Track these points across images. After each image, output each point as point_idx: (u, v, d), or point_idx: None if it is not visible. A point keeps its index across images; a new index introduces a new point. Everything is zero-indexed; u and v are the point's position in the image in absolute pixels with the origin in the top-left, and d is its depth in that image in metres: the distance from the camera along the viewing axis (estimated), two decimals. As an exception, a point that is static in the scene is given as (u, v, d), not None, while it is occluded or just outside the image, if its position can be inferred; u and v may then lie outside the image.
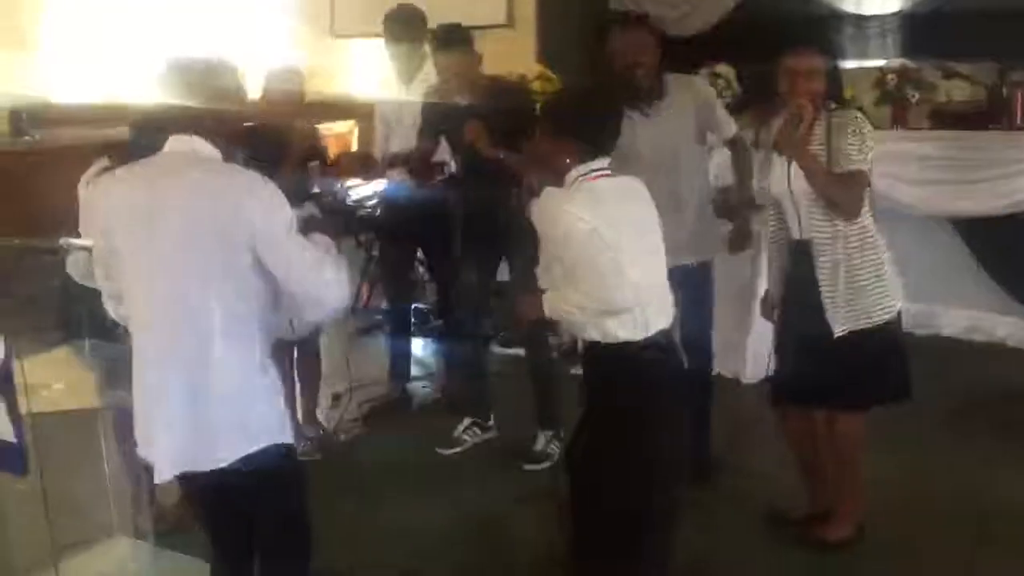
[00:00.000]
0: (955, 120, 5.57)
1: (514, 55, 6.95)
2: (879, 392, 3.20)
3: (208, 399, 2.22)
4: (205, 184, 2.20)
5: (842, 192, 2.99)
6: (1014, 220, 5.07)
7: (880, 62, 6.14)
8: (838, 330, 3.08)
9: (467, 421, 4.21)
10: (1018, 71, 5.82)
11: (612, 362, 2.41)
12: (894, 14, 7.02)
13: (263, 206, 2.19)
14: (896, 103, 5.62)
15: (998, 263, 5.31)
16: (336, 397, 4.52)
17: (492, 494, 3.81)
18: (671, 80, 3.55)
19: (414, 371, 5.05)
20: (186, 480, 2.36)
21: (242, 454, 2.26)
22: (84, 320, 3.19)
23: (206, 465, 2.26)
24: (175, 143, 2.24)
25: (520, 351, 4.34)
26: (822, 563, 3.23)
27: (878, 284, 3.11)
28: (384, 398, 4.71)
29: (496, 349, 5.03)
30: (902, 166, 5.33)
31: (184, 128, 2.22)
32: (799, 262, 3.15)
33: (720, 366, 4.82)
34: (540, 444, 4.06)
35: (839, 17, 7.15)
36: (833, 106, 3.08)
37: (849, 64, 7.01)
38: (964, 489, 3.71)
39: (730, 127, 3.69)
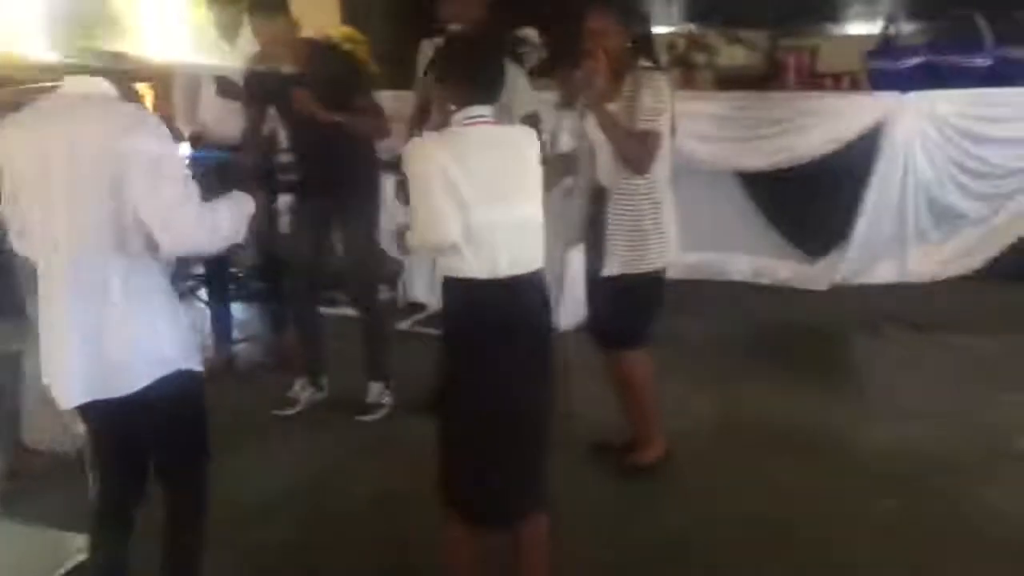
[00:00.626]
0: (737, 83, 6.05)
1: (317, 16, 6.91)
2: (644, 333, 3.52)
3: (113, 329, 2.28)
4: (91, 124, 2.24)
5: (632, 148, 3.21)
6: (790, 174, 5.57)
7: (671, 28, 6.55)
8: (614, 271, 3.32)
9: (300, 381, 4.28)
10: (788, 38, 6.39)
11: (455, 296, 2.54)
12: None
13: (138, 139, 2.22)
14: (685, 66, 6.04)
15: (777, 213, 5.83)
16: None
17: (328, 447, 3.90)
18: None
19: (236, 335, 5.02)
20: (91, 411, 2.40)
21: (150, 380, 2.33)
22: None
23: (115, 392, 2.32)
24: (69, 84, 2.29)
25: (347, 311, 4.44)
26: (639, 486, 3.53)
27: (658, 236, 3.34)
28: (210, 362, 4.65)
29: (325, 309, 5.08)
30: (692, 125, 5.75)
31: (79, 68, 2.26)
32: (596, 209, 3.39)
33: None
34: (372, 395, 4.20)
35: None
36: (646, 65, 3.29)
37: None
38: (757, 411, 4.14)
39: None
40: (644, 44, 3.31)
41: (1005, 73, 5.44)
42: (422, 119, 3.99)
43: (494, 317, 2.49)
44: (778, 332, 5.23)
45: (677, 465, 3.63)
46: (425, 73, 4.07)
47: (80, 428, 3.76)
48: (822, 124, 5.59)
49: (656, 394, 3.61)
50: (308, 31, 5.85)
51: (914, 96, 5.43)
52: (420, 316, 5.30)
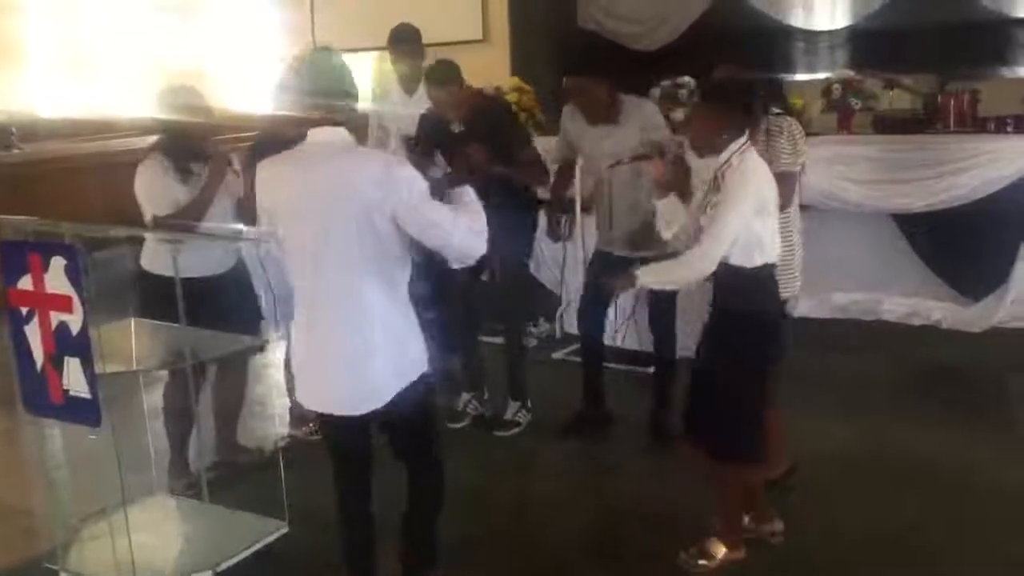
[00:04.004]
0: (895, 125, 6.12)
1: (489, 68, 7.45)
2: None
3: (374, 347, 2.64)
4: (352, 166, 2.61)
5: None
6: (947, 215, 5.62)
7: (828, 74, 6.69)
8: None
9: (466, 396, 4.68)
10: (952, 82, 6.41)
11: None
12: (841, 29, 7.66)
13: (398, 176, 2.57)
14: (841, 110, 6.16)
15: (933, 254, 5.85)
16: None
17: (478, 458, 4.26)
18: (626, 103, 4.13)
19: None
20: (333, 419, 2.77)
21: (401, 388, 2.68)
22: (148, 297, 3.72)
23: (375, 405, 2.68)
24: (317, 134, 2.65)
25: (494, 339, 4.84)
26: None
27: (787, 267, 3.53)
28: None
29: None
30: (848, 167, 5.89)
31: (324, 121, 2.64)
32: None
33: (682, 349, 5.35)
34: (510, 413, 4.57)
35: (791, 32, 7.75)
36: (776, 111, 3.56)
37: (800, 76, 7.67)
38: (898, 445, 4.22)
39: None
40: (775, 91, 3.56)
41: None
42: (564, 171, 4.43)
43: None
44: (928, 372, 5.27)
45: (815, 489, 3.79)
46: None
47: (282, 431, 4.36)
48: (981, 166, 5.61)
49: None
50: (478, 81, 6.42)
51: (1077, 138, 5.37)
52: (574, 347, 5.61)
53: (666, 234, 3.35)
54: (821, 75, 7.08)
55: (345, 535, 2.96)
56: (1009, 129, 5.87)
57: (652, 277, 3.27)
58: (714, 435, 3.20)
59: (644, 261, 3.98)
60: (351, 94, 2.71)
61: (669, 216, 3.28)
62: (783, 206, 3.47)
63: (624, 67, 4.35)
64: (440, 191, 2.75)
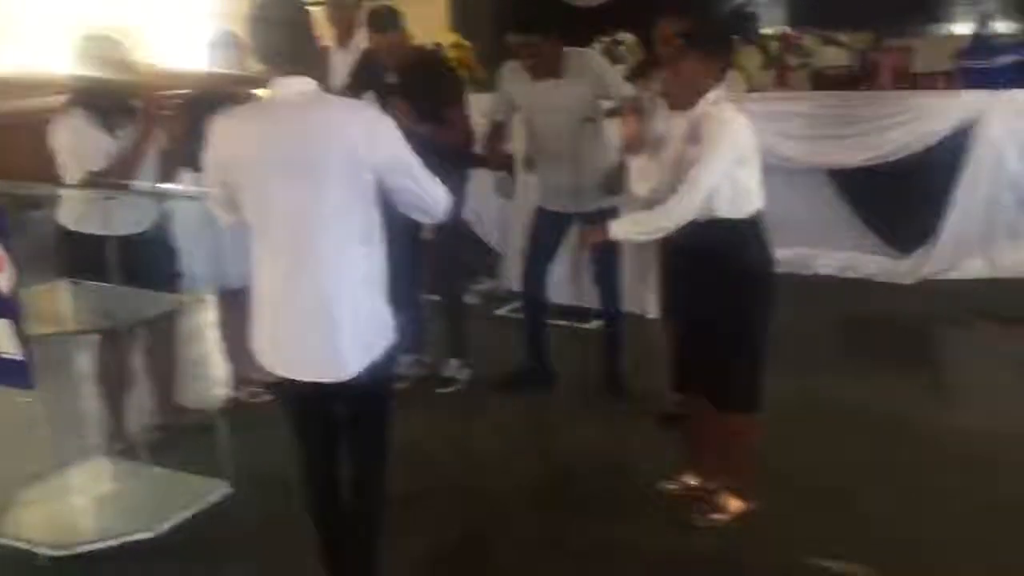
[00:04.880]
0: (831, 82, 6.22)
1: (427, 23, 7.34)
2: None
3: (357, 309, 2.48)
4: (334, 115, 2.45)
5: None
6: (879, 170, 5.73)
7: (766, 31, 6.75)
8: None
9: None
10: (887, 39, 6.50)
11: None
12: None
13: (389, 130, 2.46)
14: (778, 67, 6.22)
15: (866, 209, 5.98)
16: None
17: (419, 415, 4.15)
18: (570, 56, 4.09)
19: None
20: (295, 385, 2.56)
21: (373, 358, 2.52)
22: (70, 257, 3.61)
23: (344, 375, 2.48)
24: (287, 84, 2.43)
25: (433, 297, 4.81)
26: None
27: None
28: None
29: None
30: (785, 123, 5.96)
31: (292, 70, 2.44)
32: None
33: (630, 304, 5.39)
34: (450, 371, 4.60)
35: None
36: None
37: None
38: (835, 395, 4.30)
39: (621, 90, 4.11)
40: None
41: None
42: (499, 130, 4.39)
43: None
44: (861, 323, 5.39)
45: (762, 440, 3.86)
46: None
47: (224, 392, 4.31)
48: (913, 122, 5.74)
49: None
50: (417, 36, 6.32)
51: (1006, 94, 5.51)
52: (516, 304, 5.63)
53: (640, 191, 3.27)
54: (773, 31, 7.11)
55: (312, 499, 2.80)
56: (940, 85, 6.00)
57: (627, 228, 3.20)
58: (725, 388, 3.18)
59: (587, 216, 4.02)
60: (314, 44, 2.59)
61: (642, 172, 3.23)
62: None
63: (566, 21, 4.27)
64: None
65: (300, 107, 2.44)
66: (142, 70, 3.88)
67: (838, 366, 4.66)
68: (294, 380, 2.55)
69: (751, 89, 6.16)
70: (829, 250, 6.08)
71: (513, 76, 4.25)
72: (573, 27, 4.36)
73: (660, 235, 3.17)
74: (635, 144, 3.26)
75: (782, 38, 6.33)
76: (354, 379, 2.51)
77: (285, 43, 2.44)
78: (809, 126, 5.94)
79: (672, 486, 3.47)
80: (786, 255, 6.03)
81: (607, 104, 4.17)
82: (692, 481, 3.45)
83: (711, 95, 2.99)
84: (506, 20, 4.41)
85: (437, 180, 2.57)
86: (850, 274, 6.01)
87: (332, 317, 2.45)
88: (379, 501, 2.78)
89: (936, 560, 3.01)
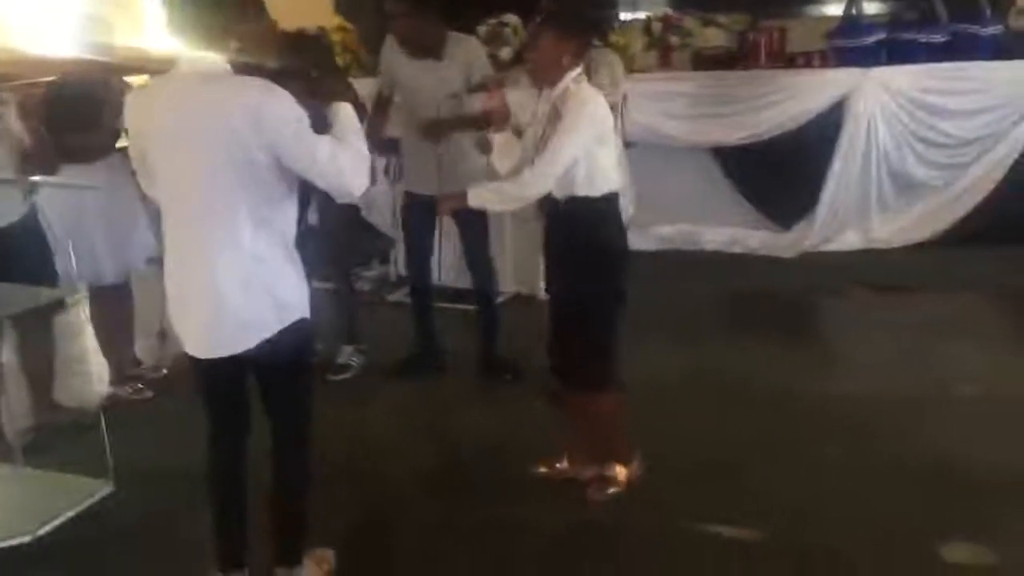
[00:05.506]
0: (711, 62, 6.34)
1: (312, 6, 7.23)
2: None
3: (248, 282, 2.47)
4: (227, 93, 2.43)
5: None
6: (759, 147, 5.90)
7: (648, 13, 6.84)
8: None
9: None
10: (764, 20, 6.66)
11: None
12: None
13: (275, 111, 2.41)
14: (661, 48, 6.33)
15: (748, 185, 6.15)
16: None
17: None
18: (451, 39, 4.09)
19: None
20: (209, 361, 2.57)
21: (280, 328, 2.52)
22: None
23: (247, 345, 2.51)
24: (188, 60, 2.46)
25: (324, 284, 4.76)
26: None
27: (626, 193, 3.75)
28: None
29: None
30: (668, 103, 6.08)
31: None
32: None
33: (519, 285, 5.44)
34: (343, 357, 4.57)
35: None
36: (597, 44, 3.60)
37: (623, 14, 7.76)
38: (720, 366, 4.42)
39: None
40: (599, 25, 3.62)
41: (960, 48, 5.74)
42: (384, 106, 4.36)
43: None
44: (747, 297, 5.55)
45: (642, 413, 3.92)
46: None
47: (103, 389, 4.16)
48: (789, 100, 5.92)
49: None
50: (301, 22, 6.20)
51: (875, 71, 5.73)
52: (407, 288, 5.60)
53: (503, 167, 3.32)
54: (643, 14, 7.21)
55: (214, 490, 2.77)
56: (816, 64, 6.19)
57: (484, 196, 3.20)
58: (582, 367, 3.23)
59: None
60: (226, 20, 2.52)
61: (505, 149, 3.28)
62: None
63: (450, 3, 4.25)
64: (318, 120, 2.58)
65: (197, 84, 2.46)
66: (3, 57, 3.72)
67: (723, 338, 4.79)
68: (195, 358, 2.60)
69: (635, 70, 6.24)
70: (714, 226, 6.24)
71: (392, 50, 4.22)
72: (455, 8, 4.34)
73: (515, 206, 3.25)
74: (497, 119, 3.27)
75: (664, 19, 6.42)
76: (254, 353, 2.53)
77: (196, 20, 2.45)
78: (691, 105, 6.07)
79: (543, 469, 3.49)
80: (673, 231, 6.25)
81: (474, 79, 4.16)
82: (563, 464, 3.48)
83: (571, 74, 3.03)
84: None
85: (350, 159, 2.53)
86: (735, 249, 6.17)
87: (219, 293, 2.47)
88: (297, 472, 2.76)
89: (819, 525, 3.10)
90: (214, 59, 2.47)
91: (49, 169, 3.69)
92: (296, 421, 2.75)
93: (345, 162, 2.51)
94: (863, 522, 3.11)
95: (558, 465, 3.47)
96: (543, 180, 3.03)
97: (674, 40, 6.33)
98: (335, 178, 2.51)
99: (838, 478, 3.40)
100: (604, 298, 3.16)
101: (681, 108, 6.07)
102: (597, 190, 3.07)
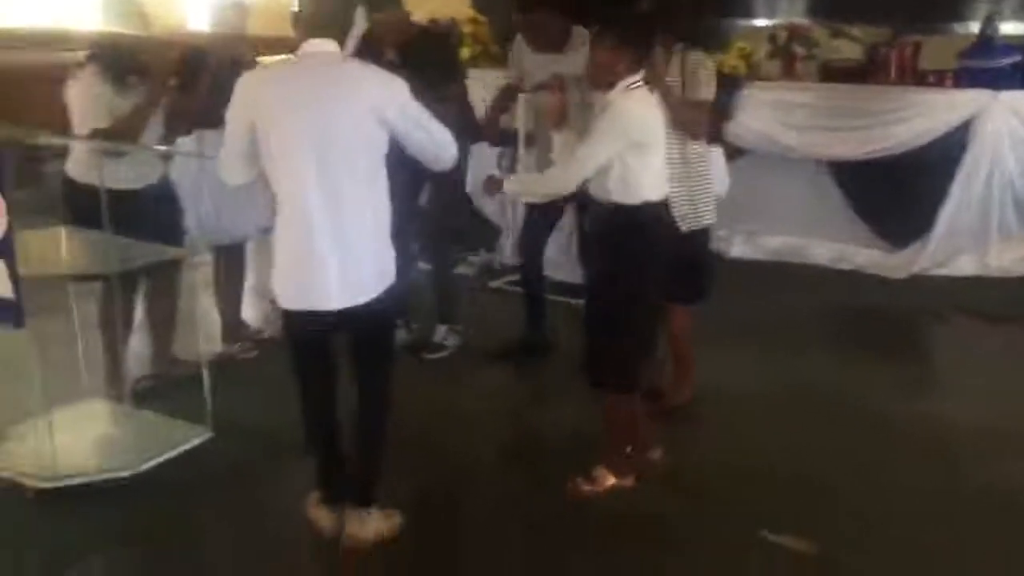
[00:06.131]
0: (839, 74, 6.25)
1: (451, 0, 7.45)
2: (699, 289, 3.85)
3: (357, 248, 2.81)
4: (353, 72, 2.85)
5: (688, 115, 3.60)
6: (877, 163, 5.79)
7: (775, 21, 6.79)
8: (684, 228, 3.65)
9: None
10: (902, 35, 6.51)
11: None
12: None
13: (393, 89, 2.82)
14: (785, 57, 6.27)
15: (862, 201, 6.02)
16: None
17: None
18: (577, 33, 4.23)
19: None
20: (313, 316, 2.87)
21: (380, 290, 2.87)
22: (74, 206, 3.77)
23: (358, 300, 2.83)
24: (313, 45, 2.81)
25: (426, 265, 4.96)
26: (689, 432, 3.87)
27: (706, 195, 3.73)
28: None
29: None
30: (788, 113, 6.03)
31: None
32: None
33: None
34: (438, 336, 4.72)
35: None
36: (683, 46, 3.65)
37: (759, 21, 7.70)
38: (814, 381, 4.39)
39: None
40: (698, 32, 3.69)
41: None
42: (509, 96, 4.51)
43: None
44: (851, 315, 5.48)
45: (733, 421, 3.97)
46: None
47: (214, 347, 4.46)
48: (916, 118, 5.78)
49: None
50: (438, 11, 6.45)
51: (1006, 95, 5.55)
52: (511, 277, 5.75)
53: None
54: (769, 21, 7.16)
55: (313, 431, 3.11)
56: (948, 84, 6.03)
57: (516, 186, 3.45)
58: (595, 365, 3.34)
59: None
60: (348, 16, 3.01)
61: (565, 147, 3.37)
62: (699, 135, 3.64)
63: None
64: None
65: (322, 65, 2.82)
66: (157, 30, 4.03)
67: (823, 354, 4.74)
68: (309, 311, 2.86)
69: (759, 78, 6.22)
70: (823, 240, 6.14)
71: (519, 47, 4.40)
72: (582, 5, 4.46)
73: (541, 200, 3.58)
74: (558, 119, 3.44)
75: (790, 28, 6.37)
76: (365, 306, 2.85)
77: (326, 15, 2.86)
78: (812, 117, 5.99)
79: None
80: (780, 243, 6.20)
81: (535, 80, 4.28)
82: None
83: (625, 82, 3.11)
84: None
85: (444, 129, 2.92)
86: (843, 265, 6.06)
87: (351, 250, 2.80)
88: (378, 422, 3.08)
89: (898, 546, 3.08)
90: (334, 48, 2.83)
91: (184, 133, 4.00)
92: (382, 373, 3.07)
93: (447, 136, 2.91)
94: (946, 547, 3.08)
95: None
96: (565, 179, 3.22)
97: (799, 50, 6.26)
98: (439, 146, 2.92)
99: (925, 501, 3.37)
100: (631, 304, 3.22)
101: (802, 119, 6.00)
102: (633, 198, 3.15)
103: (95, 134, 3.70)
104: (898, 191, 5.77)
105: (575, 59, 4.15)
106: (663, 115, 3.30)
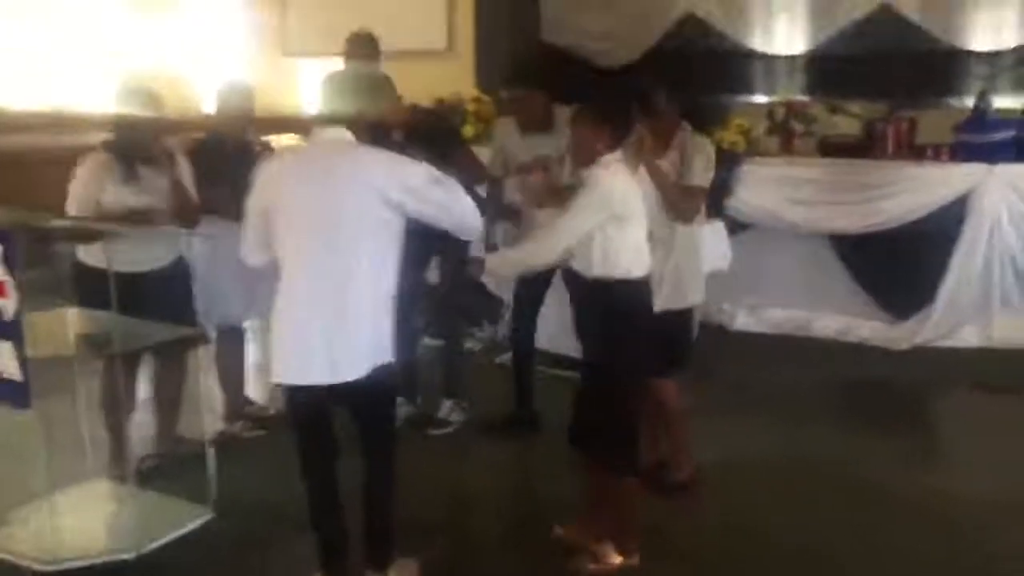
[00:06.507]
0: (837, 149, 6.33)
1: (453, 78, 7.63)
2: (677, 361, 3.84)
3: (352, 325, 2.89)
4: (363, 159, 2.94)
5: (681, 200, 3.67)
6: (878, 236, 5.85)
7: (772, 98, 6.91)
8: (656, 307, 3.61)
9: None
10: (899, 110, 6.61)
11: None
12: (799, 55, 7.79)
13: (405, 170, 2.92)
14: (783, 133, 6.37)
15: (864, 274, 6.07)
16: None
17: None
18: (558, 113, 4.31)
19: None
20: (308, 391, 2.96)
21: (376, 365, 2.93)
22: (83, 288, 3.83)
23: (351, 375, 2.89)
24: (327, 133, 2.98)
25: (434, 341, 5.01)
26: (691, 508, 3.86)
27: (694, 276, 3.80)
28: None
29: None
30: (788, 188, 6.11)
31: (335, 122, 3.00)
32: None
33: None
34: (443, 412, 4.74)
35: (751, 55, 7.89)
36: (688, 129, 3.74)
37: (759, 98, 7.81)
38: (817, 452, 4.38)
39: None
40: (694, 112, 3.78)
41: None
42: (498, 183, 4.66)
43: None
44: (853, 386, 5.47)
45: (734, 493, 3.96)
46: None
47: (217, 425, 4.46)
48: (914, 192, 5.87)
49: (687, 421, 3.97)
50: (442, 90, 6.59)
51: (1001, 168, 5.63)
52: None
53: None
54: (777, 98, 7.26)
55: (316, 508, 3.13)
56: (944, 157, 6.10)
57: (496, 261, 3.55)
58: (595, 446, 3.34)
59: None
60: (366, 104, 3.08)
61: (544, 224, 3.47)
62: (689, 219, 3.69)
63: (573, 80, 4.49)
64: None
65: (333, 151, 2.97)
66: (170, 113, 4.12)
67: (826, 426, 4.73)
68: (308, 386, 2.95)
69: (757, 153, 6.32)
70: (827, 313, 6.16)
71: (506, 131, 4.48)
72: (584, 87, 4.57)
73: (516, 272, 3.73)
74: (540, 199, 3.57)
75: (788, 105, 6.49)
76: (360, 381, 2.91)
77: (339, 107, 3.02)
78: (813, 192, 6.07)
79: (560, 531, 3.56)
80: (784, 316, 6.22)
81: (520, 160, 4.39)
82: (575, 531, 3.54)
83: (606, 158, 3.18)
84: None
85: (464, 199, 2.99)
86: (847, 338, 6.07)
87: (345, 327, 2.88)
88: (387, 487, 3.16)
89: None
90: (346, 133, 2.96)
91: (194, 224, 4.06)
92: (384, 446, 3.14)
93: (468, 205, 2.98)
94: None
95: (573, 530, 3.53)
96: (544, 250, 3.30)
97: (797, 126, 6.37)
98: (463, 219, 3.00)
99: (928, 572, 3.38)
100: (623, 380, 3.24)
101: (802, 194, 6.08)
102: (614, 271, 3.20)
103: (105, 218, 3.77)
104: (900, 263, 5.82)
105: (559, 140, 4.26)
106: (645, 191, 3.39)
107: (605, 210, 3.14)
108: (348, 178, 2.87)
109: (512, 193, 4.75)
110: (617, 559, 3.38)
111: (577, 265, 3.28)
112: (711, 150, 3.70)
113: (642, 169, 3.67)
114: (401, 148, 4.25)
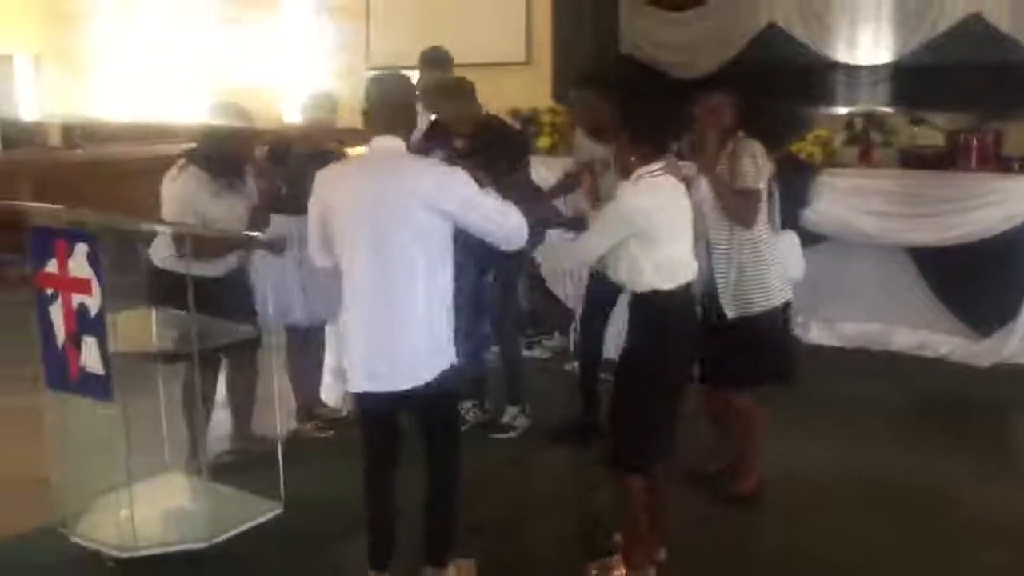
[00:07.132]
0: (918, 161, 6.20)
1: (531, 90, 7.71)
2: (760, 374, 3.80)
3: (409, 334, 2.97)
4: (413, 169, 3.01)
5: (733, 204, 3.68)
6: (960, 250, 5.70)
7: (851, 108, 6.79)
8: (730, 314, 3.70)
9: (467, 404, 4.87)
10: (987, 121, 6.44)
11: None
12: (882, 65, 7.64)
13: (456, 179, 2.98)
14: (861, 144, 6.27)
15: (945, 288, 5.92)
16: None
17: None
18: None
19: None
20: (374, 398, 3.06)
21: (437, 371, 3.01)
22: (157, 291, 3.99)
23: (409, 383, 2.98)
24: (380, 142, 3.03)
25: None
26: (751, 519, 3.85)
27: (760, 282, 3.75)
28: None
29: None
30: (866, 200, 6.00)
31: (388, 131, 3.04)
32: (705, 257, 3.76)
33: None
34: (507, 418, 4.79)
35: (833, 66, 7.77)
36: (741, 135, 3.75)
37: (841, 109, 7.67)
38: (888, 469, 4.32)
39: None
40: (743, 117, 3.77)
41: None
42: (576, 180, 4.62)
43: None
44: (931, 403, 5.34)
45: (805, 508, 3.94)
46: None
47: (289, 424, 4.59)
48: (998, 204, 5.69)
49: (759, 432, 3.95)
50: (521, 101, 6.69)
51: (1090, 180, 5.44)
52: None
53: None
54: (858, 109, 7.14)
55: (372, 512, 3.22)
56: (1026, 169, 5.91)
57: (545, 253, 3.91)
58: (617, 444, 3.37)
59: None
60: (413, 116, 3.19)
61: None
62: (747, 223, 3.69)
63: (654, 91, 4.55)
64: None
65: (385, 161, 3.03)
66: (259, 124, 4.28)
67: (899, 444, 4.64)
68: (375, 393, 3.03)
69: (833, 164, 6.23)
70: (905, 327, 6.02)
71: (581, 136, 4.55)
72: (665, 98, 4.61)
73: (560, 269, 4.09)
74: (592, 200, 3.76)
75: (866, 116, 6.38)
76: (421, 388, 3.00)
77: (391, 116, 3.06)
78: (890, 203, 5.94)
79: (619, 538, 3.52)
80: (859, 330, 6.10)
81: (568, 168, 4.47)
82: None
83: (638, 172, 3.22)
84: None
85: (511, 211, 3.05)
86: (925, 353, 5.93)
87: (403, 336, 2.97)
88: (452, 487, 3.21)
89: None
90: (399, 144, 3.02)
91: (264, 224, 4.19)
92: (447, 451, 3.19)
93: (515, 218, 3.03)
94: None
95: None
96: (574, 255, 3.70)
97: (876, 137, 6.26)
98: (509, 231, 3.04)
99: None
100: (645, 386, 3.24)
101: (880, 205, 5.95)
102: (640, 285, 3.24)
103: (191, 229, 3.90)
104: (982, 277, 5.66)
105: None
106: (697, 201, 3.46)
107: (627, 227, 3.19)
108: (397, 189, 2.93)
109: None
110: (621, 572, 3.36)
111: (611, 275, 3.38)
112: (759, 151, 3.70)
113: (700, 179, 3.71)
114: (462, 158, 4.37)
